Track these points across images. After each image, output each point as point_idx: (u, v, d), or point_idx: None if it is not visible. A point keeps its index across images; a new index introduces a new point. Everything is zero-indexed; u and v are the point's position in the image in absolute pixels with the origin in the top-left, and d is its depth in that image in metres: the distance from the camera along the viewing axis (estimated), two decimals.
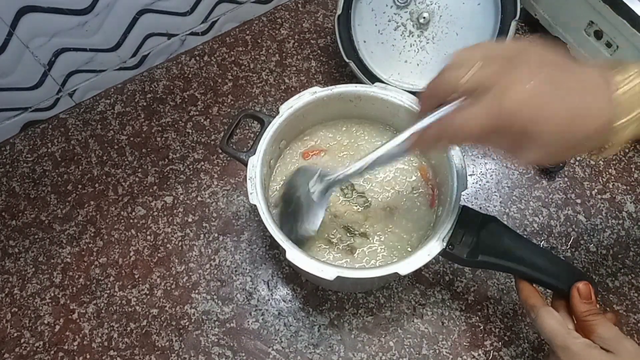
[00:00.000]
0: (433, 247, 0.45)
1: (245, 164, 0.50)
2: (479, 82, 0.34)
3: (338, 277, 0.44)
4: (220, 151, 0.68)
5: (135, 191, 0.66)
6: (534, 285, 0.47)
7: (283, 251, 0.45)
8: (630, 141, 0.61)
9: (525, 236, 0.61)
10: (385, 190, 0.55)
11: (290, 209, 0.50)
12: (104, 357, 0.56)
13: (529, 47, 0.34)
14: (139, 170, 0.67)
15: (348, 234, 0.53)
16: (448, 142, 0.38)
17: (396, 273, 0.44)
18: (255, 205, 0.47)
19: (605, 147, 0.35)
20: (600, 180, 0.65)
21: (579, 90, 0.33)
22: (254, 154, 0.50)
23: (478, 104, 0.33)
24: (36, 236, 0.63)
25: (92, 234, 0.63)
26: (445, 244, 0.45)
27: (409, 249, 0.52)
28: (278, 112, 0.52)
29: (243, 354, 0.56)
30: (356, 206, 0.54)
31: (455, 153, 0.49)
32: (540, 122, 0.32)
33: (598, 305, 0.46)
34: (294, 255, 0.45)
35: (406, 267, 0.44)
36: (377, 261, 0.52)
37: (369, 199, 0.55)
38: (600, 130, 0.33)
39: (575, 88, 0.33)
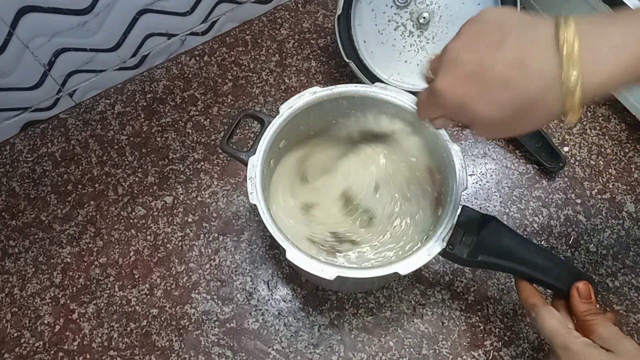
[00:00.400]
0: (433, 247, 0.45)
1: (245, 164, 0.50)
2: (434, 68, 0.39)
3: (338, 277, 0.44)
4: (220, 151, 0.68)
5: (135, 191, 0.66)
6: (534, 285, 0.47)
7: (283, 251, 0.45)
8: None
9: (525, 236, 0.61)
10: (394, 200, 0.55)
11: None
12: (104, 357, 0.56)
13: (476, 17, 0.36)
14: (139, 170, 0.67)
15: (334, 239, 0.53)
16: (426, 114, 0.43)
17: (396, 273, 0.44)
18: (255, 205, 0.47)
19: (567, 111, 0.33)
20: (600, 180, 0.65)
21: (515, 60, 0.33)
22: (254, 153, 0.50)
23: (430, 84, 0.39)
24: (36, 236, 0.63)
25: (92, 234, 0.63)
26: (445, 243, 0.45)
27: (401, 253, 0.52)
28: (278, 112, 0.52)
29: (243, 354, 0.56)
30: (357, 222, 0.54)
31: (455, 153, 0.49)
32: (466, 104, 0.35)
33: (598, 305, 0.46)
34: (294, 254, 0.45)
35: (406, 267, 0.44)
36: (370, 262, 0.52)
37: (375, 215, 0.54)
38: (546, 98, 0.33)
39: (509, 61, 0.33)
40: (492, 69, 0.33)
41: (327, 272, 0.44)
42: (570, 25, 0.32)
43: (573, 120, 0.33)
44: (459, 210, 0.46)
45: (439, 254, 0.45)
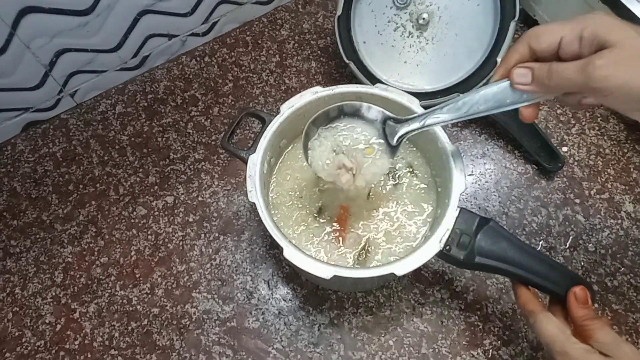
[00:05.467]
0: (430, 249, 0.45)
1: (246, 162, 0.50)
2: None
3: (337, 277, 0.44)
4: (220, 151, 0.68)
5: (137, 191, 0.66)
6: (532, 289, 0.46)
7: (282, 250, 0.45)
8: None
9: (524, 236, 0.61)
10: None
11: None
12: (105, 356, 0.57)
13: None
14: (140, 170, 0.67)
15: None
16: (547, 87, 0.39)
17: (392, 273, 0.44)
18: (254, 204, 0.47)
19: None
20: (599, 180, 0.65)
21: None
22: (254, 152, 0.50)
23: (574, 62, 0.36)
24: (37, 236, 0.63)
25: (94, 234, 0.63)
26: (442, 245, 0.45)
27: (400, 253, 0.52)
28: (279, 112, 0.52)
29: (243, 353, 0.56)
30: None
31: (455, 154, 0.49)
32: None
33: (596, 306, 0.46)
34: (291, 253, 0.45)
35: (403, 267, 0.44)
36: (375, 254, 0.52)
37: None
38: None
39: None
40: None
41: (323, 271, 0.44)
42: None
43: None
44: (456, 213, 0.47)
45: (436, 255, 0.46)
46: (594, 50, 0.35)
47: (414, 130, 0.47)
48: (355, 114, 0.49)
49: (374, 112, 0.48)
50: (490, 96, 0.41)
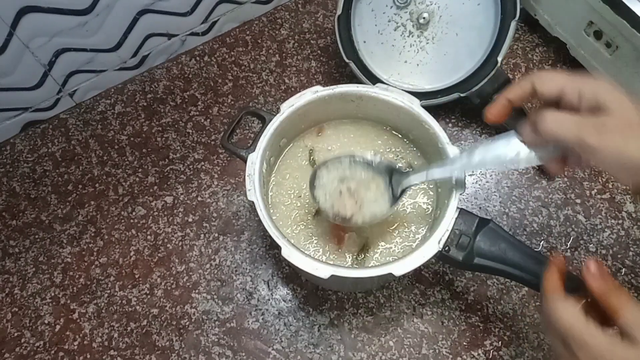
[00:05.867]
0: (429, 249, 0.45)
1: (245, 161, 0.50)
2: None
3: (337, 277, 0.44)
4: (220, 151, 0.68)
5: (136, 191, 0.66)
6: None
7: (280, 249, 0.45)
8: None
9: (524, 236, 0.61)
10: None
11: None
12: (104, 357, 0.57)
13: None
14: (140, 170, 0.67)
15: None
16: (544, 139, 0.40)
17: (390, 274, 0.44)
18: (253, 203, 0.47)
19: None
20: (600, 180, 0.65)
21: None
22: (254, 150, 0.50)
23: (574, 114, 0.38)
24: (36, 236, 0.63)
25: (93, 234, 0.63)
26: (441, 246, 0.45)
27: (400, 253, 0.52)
28: (279, 111, 0.52)
29: (243, 354, 0.56)
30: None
31: (454, 156, 0.49)
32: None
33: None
34: (289, 252, 0.45)
35: (401, 268, 0.44)
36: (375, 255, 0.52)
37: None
38: None
39: None
40: None
41: (321, 270, 0.44)
42: None
43: None
44: (456, 213, 0.46)
45: (435, 256, 0.45)
46: (591, 109, 0.37)
47: (418, 183, 0.49)
48: (365, 162, 0.50)
49: (383, 163, 0.50)
50: (493, 150, 0.43)
